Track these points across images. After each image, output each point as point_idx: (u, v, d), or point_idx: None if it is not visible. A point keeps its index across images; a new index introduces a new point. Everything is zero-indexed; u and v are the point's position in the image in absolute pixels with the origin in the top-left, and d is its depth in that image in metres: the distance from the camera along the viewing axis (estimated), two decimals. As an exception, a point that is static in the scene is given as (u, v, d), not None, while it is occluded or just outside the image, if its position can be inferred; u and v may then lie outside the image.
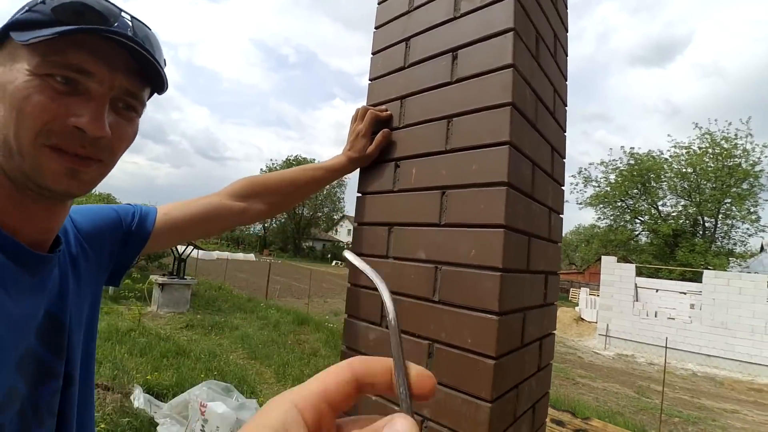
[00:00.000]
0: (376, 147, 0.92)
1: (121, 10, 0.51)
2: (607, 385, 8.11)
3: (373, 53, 1.02)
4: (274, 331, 8.18)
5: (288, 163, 45.97)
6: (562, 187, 1.05)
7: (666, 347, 7.47)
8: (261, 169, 49.33)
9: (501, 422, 0.72)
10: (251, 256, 32.46)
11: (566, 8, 1.10)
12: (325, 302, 13.85)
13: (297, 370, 5.92)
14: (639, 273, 13.53)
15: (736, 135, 20.04)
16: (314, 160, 48.08)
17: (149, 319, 7.71)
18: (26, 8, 0.48)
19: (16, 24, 0.47)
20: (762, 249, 20.39)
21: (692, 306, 12.14)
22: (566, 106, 1.07)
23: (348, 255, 0.29)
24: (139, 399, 3.80)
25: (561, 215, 1.04)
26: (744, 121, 20.43)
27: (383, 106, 0.95)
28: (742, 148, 19.86)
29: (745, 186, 19.83)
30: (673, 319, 11.35)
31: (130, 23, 0.51)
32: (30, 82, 0.46)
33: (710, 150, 20.57)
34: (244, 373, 5.43)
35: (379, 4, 1.04)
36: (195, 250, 11.64)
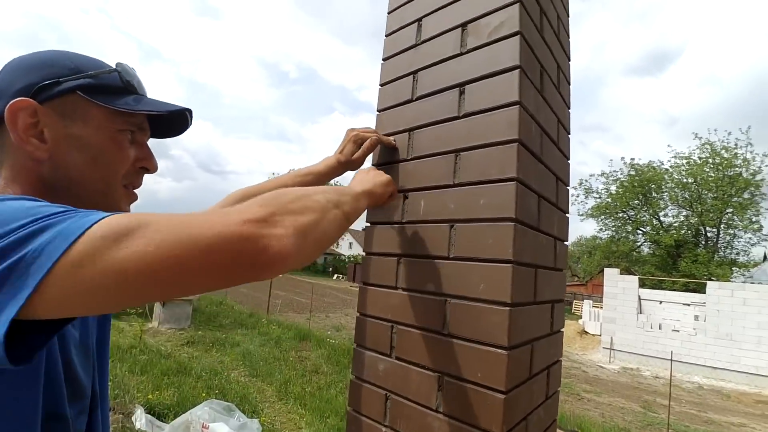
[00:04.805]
0: (363, 153, 0.94)
1: None
2: (613, 399, 8.00)
3: (381, 84, 1.04)
4: (275, 347, 8.12)
5: (289, 177, 46.17)
6: (567, 215, 1.06)
7: (671, 360, 7.39)
8: (262, 183, 49.58)
9: (513, 458, 0.71)
10: (252, 270, 32.33)
11: (568, 37, 1.13)
12: (326, 317, 13.77)
13: (298, 387, 5.86)
14: (642, 284, 13.45)
15: (736, 144, 20.11)
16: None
17: (150, 336, 7.67)
18: (90, 73, 0.58)
19: (88, 87, 0.58)
20: (765, 258, 20.32)
21: (696, 318, 12.03)
22: (569, 134, 1.08)
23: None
24: (140, 419, 3.76)
25: (566, 242, 1.05)
26: (743, 131, 20.57)
27: (391, 137, 0.97)
28: (742, 157, 19.90)
29: (746, 195, 19.78)
30: (678, 331, 11.25)
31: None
32: (114, 136, 0.60)
33: (710, 160, 20.58)
34: (245, 392, 5.38)
35: (386, 36, 1.07)
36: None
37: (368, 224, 0.98)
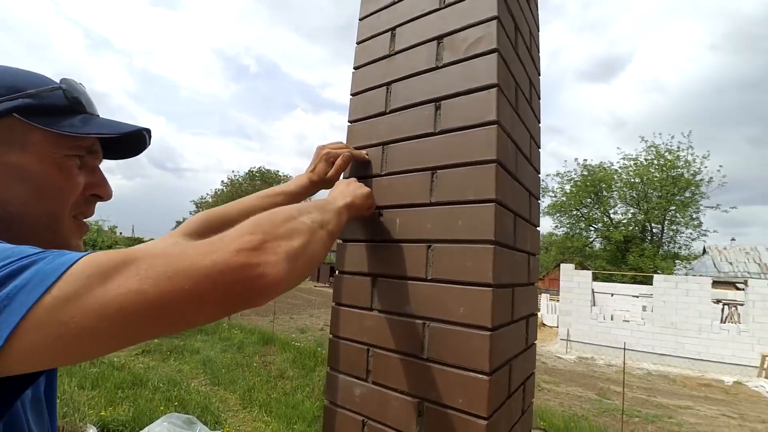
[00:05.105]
0: (336, 171, 0.91)
1: None
2: (570, 389, 8.38)
3: (353, 94, 1.01)
4: (238, 353, 7.85)
5: (251, 175, 44.44)
6: (538, 228, 1.07)
7: (625, 349, 7.83)
8: (222, 181, 47.48)
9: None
10: (212, 272, 31.13)
11: (538, 51, 1.13)
12: (291, 319, 13.52)
13: (263, 394, 5.69)
14: (594, 278, 14.17)
15: (678, 147, 21.72)
16: (277, 171, 46.58)
17: (101, 346, 7.18)
18: (29, 92, 0.51)
19: (27, 108, 0.51)
20: (704, 251, 22.05)
21: (644, 308, 12.85)
22: (539, 148, 1.09)
23: None
24: (91, 439, 3.51)
25: (537, 255, 1.06)
26: (685, 135, 22.25)
27: (364, 151, 0.94)
28: (684, 159, 21.54)
29: (687, 194, 21.49)
30: (628, 321, 11.94)
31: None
32: (60, 163, 0.53)
33: (656, 161, 22.12)
34: (207, 402, 5.15)
35: (358, 43, 1.03)
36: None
37: (341, 241, 0.94)
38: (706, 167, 21.17)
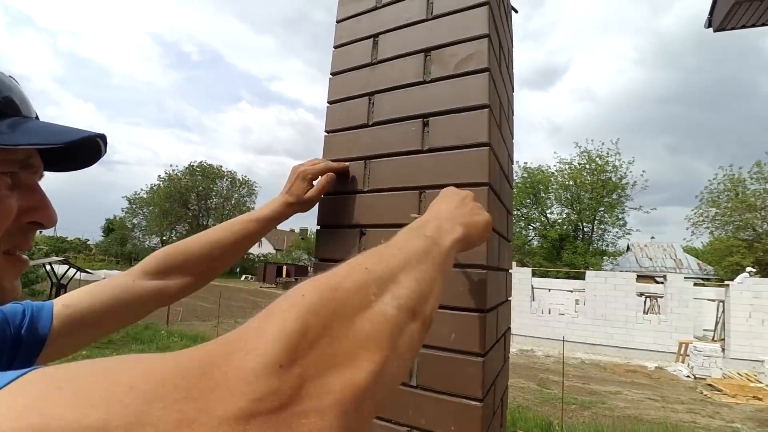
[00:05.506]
0: (319, 191, 0.83)
1: None
2: (514, 381, 8.83)
3: (330, 102, 0.95)
4: (179, 360, 7.38)
5: (191, 170, 41.88)
6: (510, 242, 1.08)
7: (564, 341, 8.38)
8: (159, 175, 43.99)
9: None
10: (148, 273, 28.90)
11: (513, 68, 1.15)
12: (236, 322, 12.94)
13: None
14: (533, 274, 15.05)
15: (607, 153, 23.93)
16: (221, 167, 44.29)
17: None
18: None
19: None
20: (628, 249, 24.28)
21: (577, 302, 13.85)
22: (513, 164, 1.11)
23: None
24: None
25: (511, 271, 1.07)
26: (613, 142, 24.49)
27: (345, 163, 0.89)
28: (612, 164, 23.81)
29: (614, 196, 23.86)
30: (564, 314, 12.81)
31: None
32: None
33: (587, 166, 24.20)
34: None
35: (336, 47, 0.97)
36: (77, 272, 10.09)
37: (317, 260, 0.89)
38: (631, 172, 23.66)
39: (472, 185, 0.72)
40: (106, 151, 0.52)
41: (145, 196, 41.13)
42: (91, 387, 0.21)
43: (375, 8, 0.93)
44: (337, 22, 0.99)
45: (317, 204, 0.88)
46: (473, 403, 0.67)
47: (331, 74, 0.97)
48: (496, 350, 0.81)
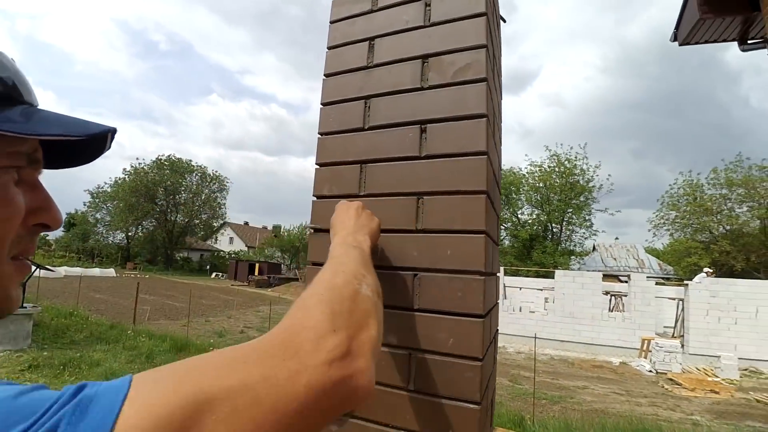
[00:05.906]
0: None
1: None
2: (486, 378, 9.02)
3: (324, 104, 0.94)
4: (147, 363, 7.11)
5: (159, 163, 40.25)
6: (498, 246, 1.11)
7: (535, 338, 8.65)
8: (124, 169, 42.03)
9: None
10: (111, 272, 27.67)
11: (501, 76, 1.17)
12: (206, 321, 12.61)
13: (180, 406, 5.23)
14: (505, 273, 15.42)
15: (576, 157, 24.86)
16: (190, 161, 42.71)
17: (-32, 364, 6.03)
18: None
19: None
20: (593, 249, 25.24)
21: (547, 300, 14.29)
22: (501, 169, 1.13)
23: None
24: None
25: (498, 274, 1.10)
26: (581, 146, 25.45)
27: (340, 167, 0.88)
28: (580, 168, 24.79)
29: (582, 198, 24.88)
30: (534, 312, 13.20)
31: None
32: None
33: (557, 168, 25.06)
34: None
35: (329, 48, 0.97)
36: (37, 270, 9.54)
37: (311, 264, 0.88)
38: (597, 175, 24.72)
39: (471, 193, 0.73)
40: (110, 146, 0.47)
41: (109, 190, 39.31)
42: (216, 365, 0.32)
43: (371, 11, 0.93)
44: (331, 22, 0.98)
45: (311, 206, 0.87)
46: (471, 406, 0.69)
47: (324, 75, 0.96)
48: (489, 353, 0.83)
